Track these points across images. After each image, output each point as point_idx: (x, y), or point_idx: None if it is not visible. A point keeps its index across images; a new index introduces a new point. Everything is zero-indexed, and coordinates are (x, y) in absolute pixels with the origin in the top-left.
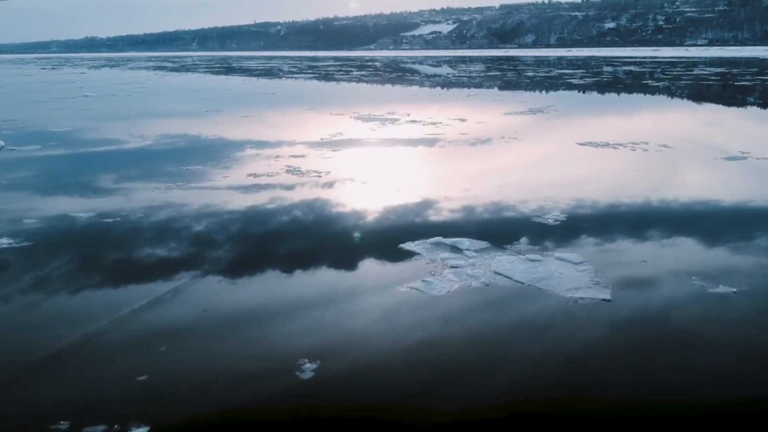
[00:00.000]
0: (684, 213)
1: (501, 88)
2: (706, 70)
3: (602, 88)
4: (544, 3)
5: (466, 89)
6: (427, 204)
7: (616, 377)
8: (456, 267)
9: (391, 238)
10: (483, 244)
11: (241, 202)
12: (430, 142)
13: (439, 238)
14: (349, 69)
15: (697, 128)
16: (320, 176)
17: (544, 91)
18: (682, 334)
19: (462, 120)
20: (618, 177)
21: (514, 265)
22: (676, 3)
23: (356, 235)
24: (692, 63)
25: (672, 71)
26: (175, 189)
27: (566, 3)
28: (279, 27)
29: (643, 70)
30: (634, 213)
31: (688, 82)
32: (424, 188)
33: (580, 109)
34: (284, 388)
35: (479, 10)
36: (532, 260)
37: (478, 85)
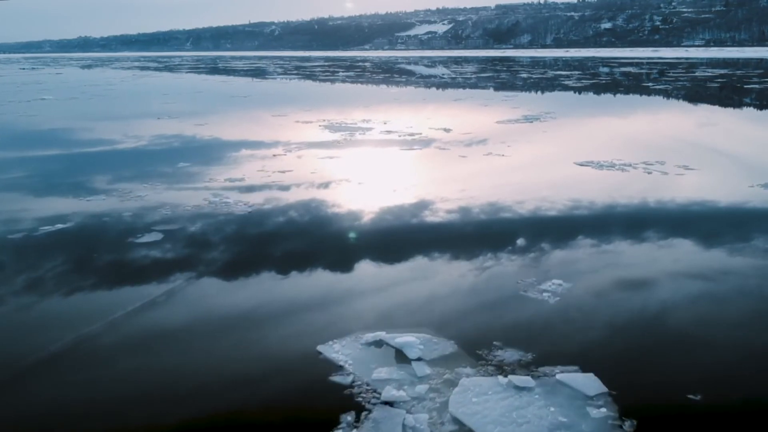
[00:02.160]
0: (744, 289)
1: (494, 91)
2: (708, 72)
3: (602, 92)
4: (539, 3)
5: (456, 92)
6: (373, 268)
7: None
8: (391, 404)
9: (312, 331)
10: (444, 346)
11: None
12: (402, 162)
13: (381, 333)
14: (336, 70)
15: (716, 141)
16: (249, 212)
17: (539, 96)
18: None
19: (446, 130)
20: (635, 221)
21: (487, 400)
22: (673, 3)
23: (267, 325)
24: (693, 64)
25: (674, 73)
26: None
27: (562, 3)
28: (274, 27)
29: (644, 71)
30: (669, 286)
31: (693, 84)
32: (375, 240)
33: (579, 116)
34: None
35: (475, 10)
36: (519, 388)
37: (470, 88)
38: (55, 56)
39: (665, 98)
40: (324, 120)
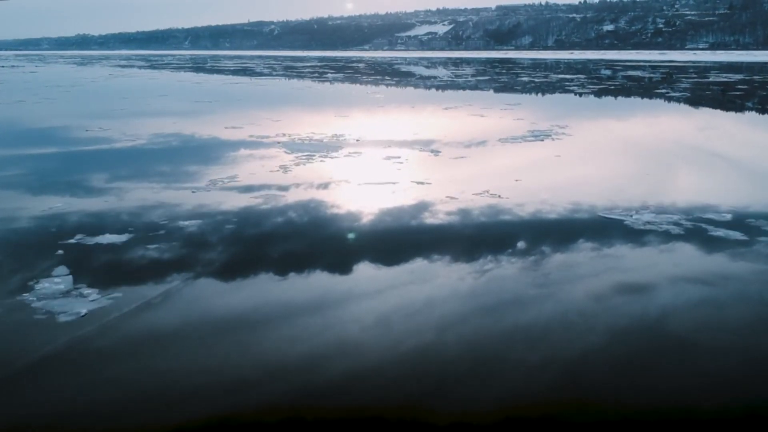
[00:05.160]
0: None
1: (494, 97)
2: (723, 77)
3: (615, 99)
4: (541, 4)
5: (452, 97)
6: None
7: None
8: None
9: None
10: None
11: None
12: (366, 204)
13: None
14: (327, 71)
15: None
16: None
17: (545, 103)
18: None
19: (433, 152)
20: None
21: None
22: (676, 6)
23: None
24: (704, 68)
25: (687, 78)
26: None
27: (563, 5)
28: (273, 26)
29: (654, 75)
30: None
31: (717, 91)
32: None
33: (596, 133)
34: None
35: (475, 11)
36: None
37: (469, 91)
38: (48, 54)
39: (692, 107)
40: (284, 134)
